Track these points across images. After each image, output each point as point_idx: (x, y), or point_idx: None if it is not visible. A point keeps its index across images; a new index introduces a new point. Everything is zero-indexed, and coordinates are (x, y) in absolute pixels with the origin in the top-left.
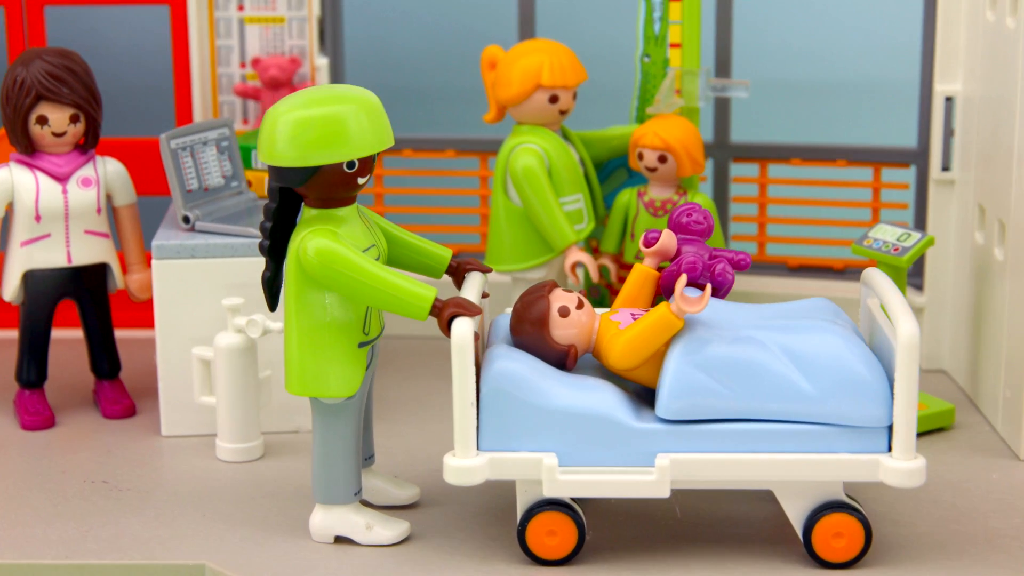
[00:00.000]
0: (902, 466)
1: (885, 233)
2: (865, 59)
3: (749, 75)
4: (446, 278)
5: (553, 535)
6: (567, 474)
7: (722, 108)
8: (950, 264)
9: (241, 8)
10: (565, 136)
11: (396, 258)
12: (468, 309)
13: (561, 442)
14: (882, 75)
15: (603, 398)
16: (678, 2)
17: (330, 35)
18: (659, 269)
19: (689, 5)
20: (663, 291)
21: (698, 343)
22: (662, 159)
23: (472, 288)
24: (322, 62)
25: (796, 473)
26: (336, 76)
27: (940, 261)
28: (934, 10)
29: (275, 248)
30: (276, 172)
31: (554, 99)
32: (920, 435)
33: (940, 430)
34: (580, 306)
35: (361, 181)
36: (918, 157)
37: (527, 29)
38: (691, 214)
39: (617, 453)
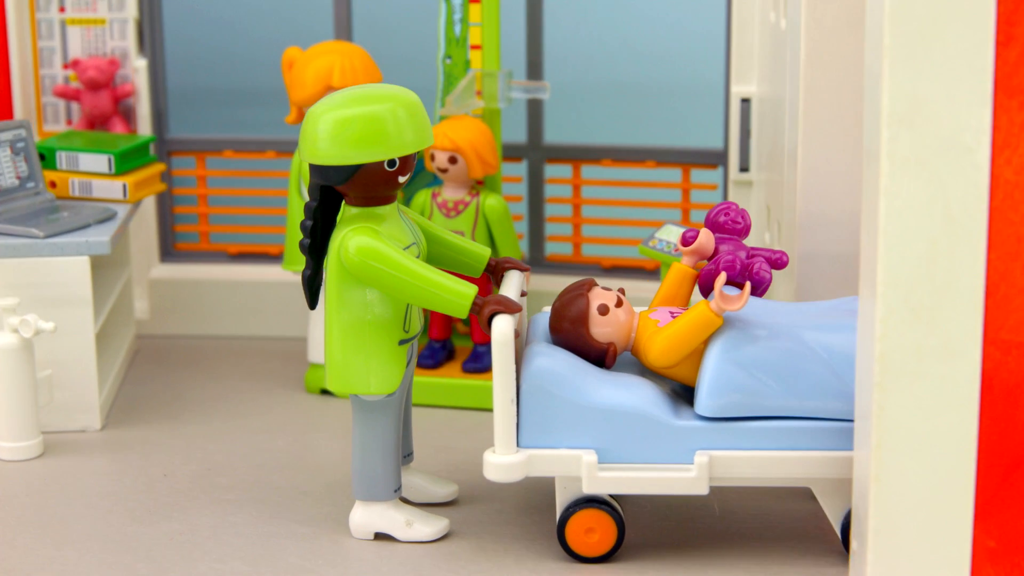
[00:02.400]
0: None
1: (669, 234)
2: (681, 60)
3: (563, 77)
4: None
5: (592, 532)
6: (607, 471)
7: (535, 110)
8: None
9: (63, 10)
10: None
11: (435, 256)
12: (508, 307)
13: (600, 439)
14: (698, 77)
15: (642, 395)
16: (478, 4)
17: (149, 36)
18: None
19: (488, 7)
20: (701, 290)
21: (737, 341)
22: (452, 160)
23: (512, 286)
24: (141, 63)
25: (835, 470)
26: (156, 78)
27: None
28: (731, 12)
29: (315, 247)
30: (318, 171)
31: None
32: None
33: None
34: (619, 304)
35: (402, 179)
36: (723, 158)
37: (342, 30)
38: (728, 213)
39: (656, 450)
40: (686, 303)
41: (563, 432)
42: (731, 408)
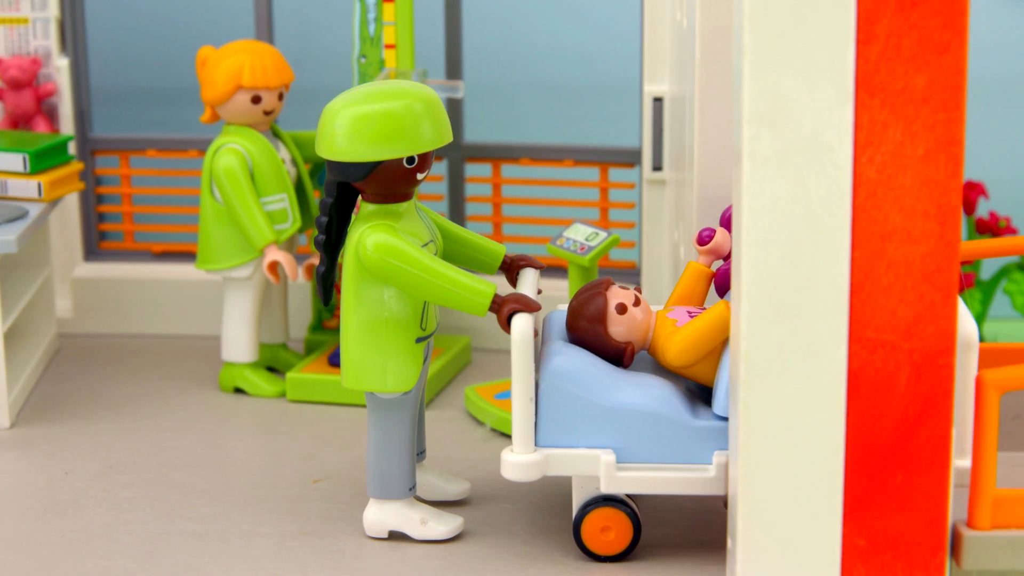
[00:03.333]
0: (958, 465)
1: (577, 233)
2: (601, 59)
3: (483, 76)
4: None
5: (608, 531)
6: (624, 471)
7: (454, 109)
8: (665, 263)
9: None
10: (276, 136)
11: (450, 253)
12: (528, 305)
13: (618, 439)
14: (617, 75)
15: (661, 395)
16: (391, 3)
17: (71, 36)
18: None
19: (402, 6)
20: (717, 289)
21: None
22: None
23: (528, 284)
24: (63, 63)
25: None
26: (78, 77)
27: (655, 260)
28: (644, 11)
29: (330, 243)
30: (335, 167)
31: (256, 100)
32: None
33: None
34: (637, 303)
35: (420, 176)
36: (639, 157)
37: (263, 28)
38: None
39: (674, 450)
40: (702, 302)
41: (581, 431)
42: None
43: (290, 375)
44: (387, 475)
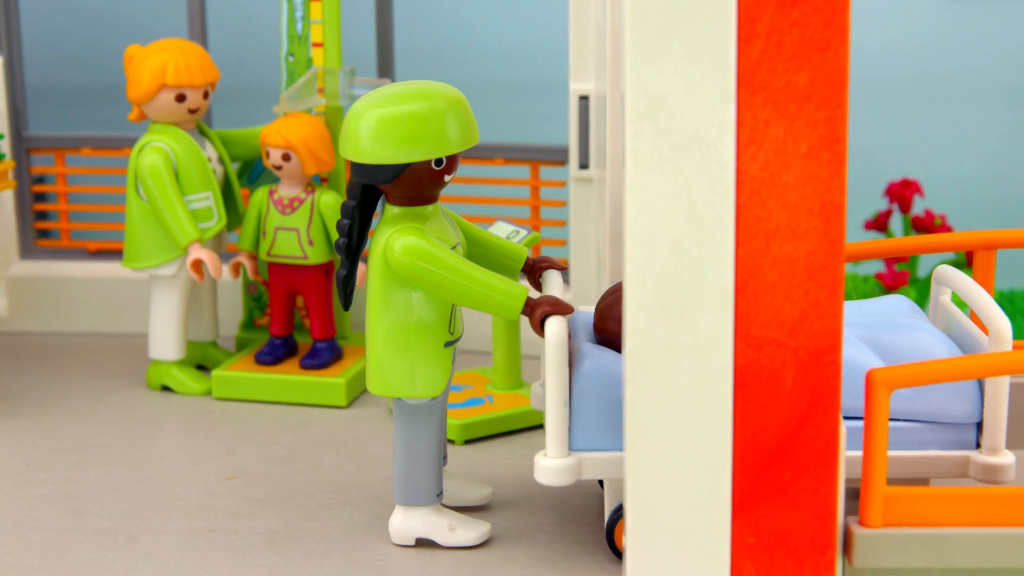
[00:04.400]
0: (991, 461)
1: (499, 230)
2: (533, 57)
3: (414, 74)
4: None
5: None
6: None
7: None
8: (591, 262)
9: None
10: (203, 134)
11: (473, 256)
12: (561, 308)
13: None
14: (549, 73)
15: None
16: (319, 2)
17: (5, 34)
18: None
19: (329, 5)
20: None
21: None
22: (286, 157)
23: (555, 286)
24: None
25: (888, 469)
26: (12, 75)
27: (583, 257)
28: (570, 10)
29: (351, 247)
30: (361, 169)
31: (181, 98)
32: (528, 429)
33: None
34: None
35: (448, 178)
36: (568, 155)
37: (196, 26)
38: None
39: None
40: None
41: (614, 434)
42: None
43: (216, 373)
44: (414, 482)
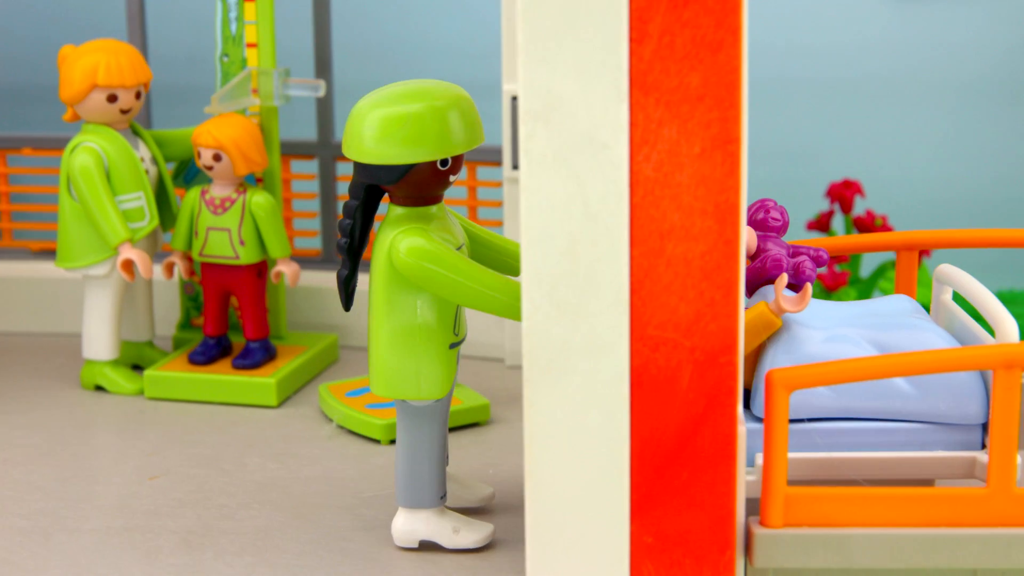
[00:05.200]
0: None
1: None
2: (473, 57)
3: (353, 75)
4: None
5: None
6: None
7: (325, 108)
8: None
9: None
10: (136, 134)
11: (476, 256)
12: None
13: None
14: (487, 73)
15: None
16: (252, 2)
17: None
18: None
19: (263, 5)
20: (746, 287)
21: (795, 342)
22: (217, 157)
23: None
24: None
25: (893, 471)
26: None
27: None
28: (502, 9)
29: (353, 247)
30: (363, 169)
31: (112, 98)
32: (459, 429)
33: (475, 425)
34: None
35: (452, 178)
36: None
37: (135, 26)
38: (768, 211)
39: (819, 436)
40: None
41: None
42: (790, 410)
43: (148, 372)
44: (418, 484)
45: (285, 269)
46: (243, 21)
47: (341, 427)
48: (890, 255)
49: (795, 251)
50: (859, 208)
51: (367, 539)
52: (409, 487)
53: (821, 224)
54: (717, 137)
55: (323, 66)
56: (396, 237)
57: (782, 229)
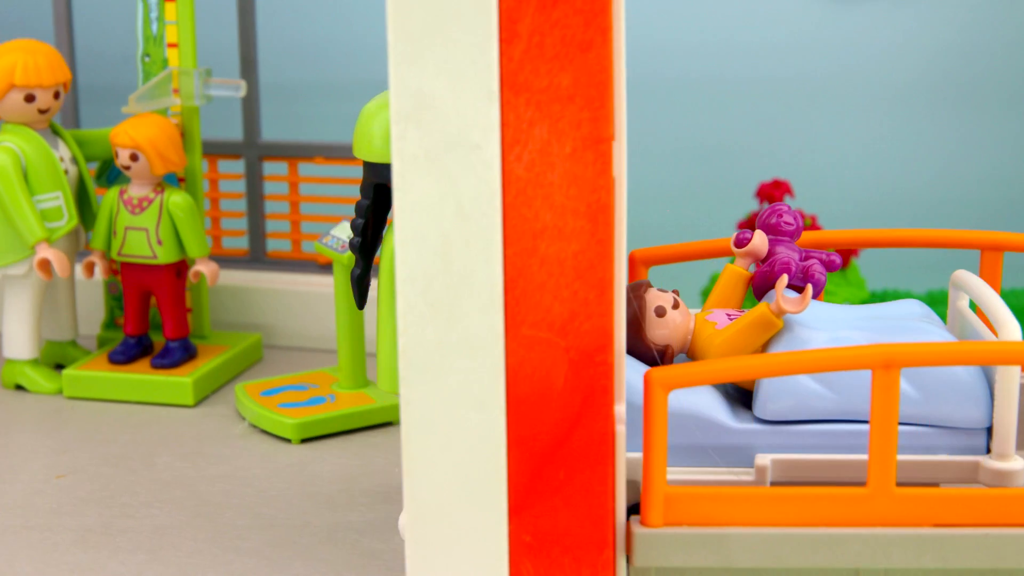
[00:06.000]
0: (1001, 467)
1: (342, 231)
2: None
3: (279, 75)
4: None
5: None
6: (669, 474)
7: (250, 108)
8: None
9: None
10: (56, 134)
11: None
12: None
13: None
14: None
15: (701, 398)
16: (173, 3)
17: None
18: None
19: (183, 6)
20: (756, 291)
21: (797, 343)
22: (134, 157)
23: None
24: None
25: (898, 474)
26: None
27: None
28: None
29: (365, 246)
30: (372, 168)
31: (30, 98)
32: (369, 428)
33: (389, 424)
34: (676, 306)
35: None
36: None
37: (62, 26)
38: (781, 215)
39: (717, 453)
40: (740, 305)
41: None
42: (791, 411)
43: (66, 372)
44: None
45: (204, 269)
46: (164, 21)
47: (254, 426)
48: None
49: (806, 255)
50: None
51: (262, 537)
52: None
53: (751, 224)
54: (588, 137)
55: (248, 66)
56: None
57: (795, 233)
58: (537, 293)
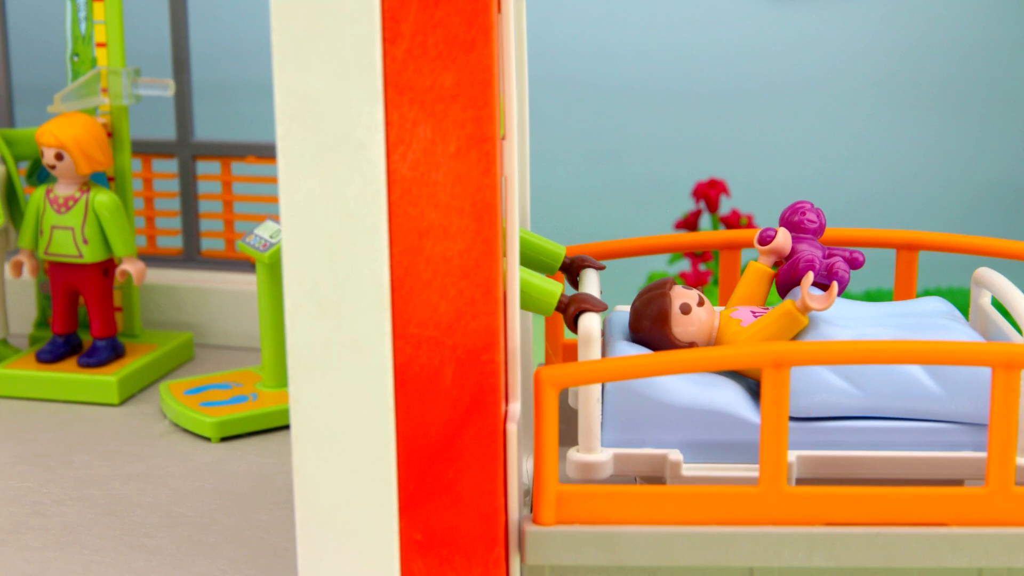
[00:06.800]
0: None
1: (265, 230)
2: None
3: (212, 74)
4: None
5: None
6: (692, 470)
7: (183, 107)
8: None
9: None
10: None
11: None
12: (595, 305)
13: (685, 438)
14: None
15: (727, 394)
16: (101, 2)
17: None
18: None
19: (111, 5)
20: (779, 289)
21: (823, 340)
22: (59, 156)
23: (592, 284)
24: None
25: (921, 470)
26: None
27: None
28: None
29: None
30: None
31: None
32: (286, 428)
33: None
34: (701, 303)
35: None
36: None
37: None
38: (804, 213)
39: (741, 449)
40: (763, 302)
41: (647, 431)
42: (817, 408)
43: None
44: None
45: (130, 268)
46: (92, 21)
47: (175, 425)
48: (754, 254)
49: (830, 252)
50: (725, 207)
51: (170, 536)
52: None
53: (688, 223)
54: (472, 136)
55: (180, 65)
56: None
57: (818, 231)
58: (424, 292)
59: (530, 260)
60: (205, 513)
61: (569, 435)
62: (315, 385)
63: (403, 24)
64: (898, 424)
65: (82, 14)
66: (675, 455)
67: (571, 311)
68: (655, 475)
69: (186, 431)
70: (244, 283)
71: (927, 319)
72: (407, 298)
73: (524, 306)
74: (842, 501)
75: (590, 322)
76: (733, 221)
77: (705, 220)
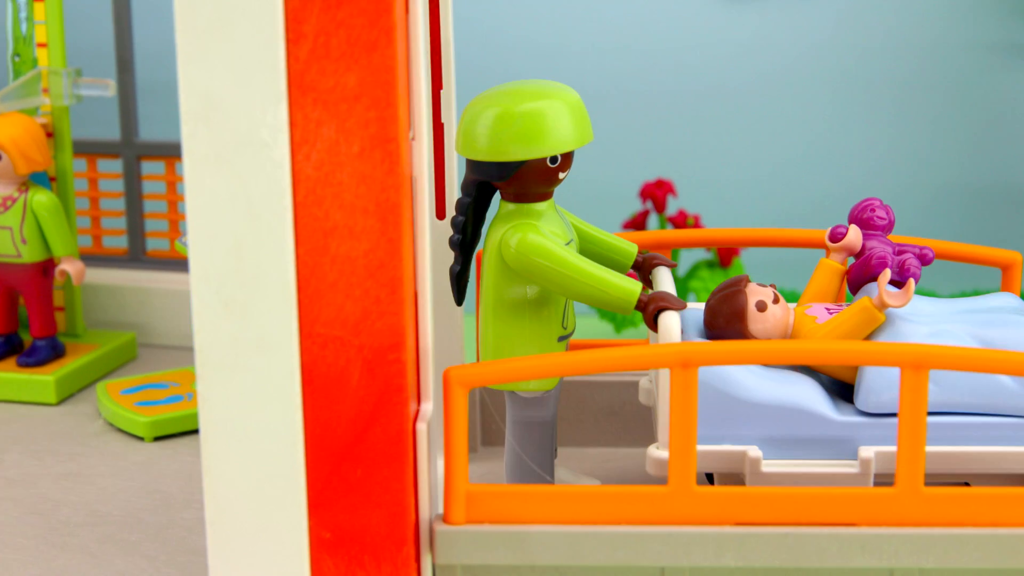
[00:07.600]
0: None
1: None
2: None
3: (158, 74)
4: None
5: None
6: (770, 467)
7: (128, 108)
8: None
9: None
10: None
11: (585, 252)
12: (673, 304)
13: (763, 435)
14: None
15: (804, 391)
16: (42, 3)
17: None
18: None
19: (52, 5)
20: (851, 286)
21: (899, 337)
22: None
23: (667, 282)
24: None
25: (995, 465)
26: None
27: None
28: None
29: (465, 243)
30: (476, 166)
31: None
32: None
33: None
34: (776, 300)
35: (562, 176)
36: None
37: None
38: (874, 209)
39: (819, 446)
40: (835, 298)
41: (725, 428)
42: (893, 404)
43: None
44: (527, 475)
45: (69, 268)
46: (33, 21)
47: (110, 424)
48: (704, 255)
49: (900, 249)
50: (672, 208)
51: (92, 535)
52: (519, 479)
53: (636, 223)
54: (376, 136)
55: (124, 65)
56: (507, 232)
57: (887, 228)
58: (329, 292)
59: (602, 258)
60: (130, 512)
61: (641, 433)
62: (223, 384)
63: (306, 25)
64: (975, 420)
65: (23, 14)
66: (754, 451)
67: (650, 309)
68: (733, 471)
69: (120, 431)
70: (188, 283)
71: (1000, 315)
72: (313, 298)
73: (604, 305)
74: (751, 501)
75: (670, 320)
76: (680, 221)
77: (653, 220)
